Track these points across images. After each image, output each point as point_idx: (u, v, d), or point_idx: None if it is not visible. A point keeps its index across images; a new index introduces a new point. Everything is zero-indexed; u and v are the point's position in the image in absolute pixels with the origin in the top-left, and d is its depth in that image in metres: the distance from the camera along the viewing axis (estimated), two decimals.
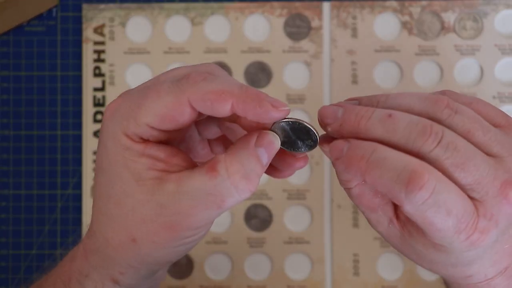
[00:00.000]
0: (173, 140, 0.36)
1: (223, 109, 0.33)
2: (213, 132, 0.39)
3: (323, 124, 0.36)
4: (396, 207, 0.36)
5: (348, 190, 0.37)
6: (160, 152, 0.34)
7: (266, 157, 0.34)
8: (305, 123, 0.35)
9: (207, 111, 0.33)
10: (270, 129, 0.35)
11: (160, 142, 0.35)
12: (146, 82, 0.36)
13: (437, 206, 0.32)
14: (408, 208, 0.32)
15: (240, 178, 0.33)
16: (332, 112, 0.36)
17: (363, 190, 0.36)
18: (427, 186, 0.32)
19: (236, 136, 0.37)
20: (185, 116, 0.33)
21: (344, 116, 0.35)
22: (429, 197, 0.32)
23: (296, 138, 0.35)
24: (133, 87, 0.37)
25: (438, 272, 0.37)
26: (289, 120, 0.35)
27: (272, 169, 0.37)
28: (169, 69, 0.36)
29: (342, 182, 0.37)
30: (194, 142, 0.39)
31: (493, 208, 0.33)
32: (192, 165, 0.35)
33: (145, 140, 0.34)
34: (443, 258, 0.35)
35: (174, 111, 0.33)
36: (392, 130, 0.33)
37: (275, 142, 0.35)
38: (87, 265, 0.38)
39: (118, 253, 0.36)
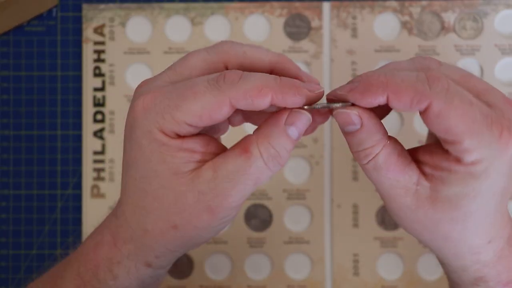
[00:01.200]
0: (206, 130, 0.38)
1: (264, 103, 0.34)
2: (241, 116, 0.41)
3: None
4: (419, 165, 0.36)
5: (372, 160, 0.36)
6: (196, 144, 0.36)
7: (296, 134, 0.36)
8: (336, 104, 0.36)
9: (248, 107, 0.35)
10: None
11: (195, 135, 0.36)
12: (171, 72, 0.38)
13: (459, 95, 0.34)
14: (436, 104, 0.33)
15: (273, 157, 0.35)
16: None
17: (389, 152, 0.36)
18: (443, 79, 0.34)
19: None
20: (224, 113, 0.35)
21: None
22: (448, 86, 0.34)
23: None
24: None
25: (448, 255, 0.38)
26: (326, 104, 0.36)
27: None
28: None
29: (365, 153, 0.36)
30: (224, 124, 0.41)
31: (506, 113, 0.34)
32: (223, 149, 0.37)
33: (181, 136, 0.35)
34: (459, 225, 0.36)
35: (213, 111, 0.35)
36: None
37: (305, 119, 0.36)
38: (118, 253, 0.38)
39: (157, 241, 0.37)
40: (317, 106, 0.36)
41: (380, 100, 0.34)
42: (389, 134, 0.37)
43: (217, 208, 0.36)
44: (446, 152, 0.35)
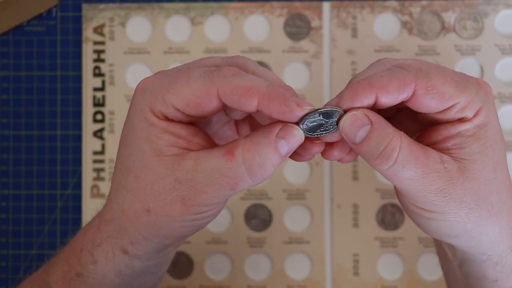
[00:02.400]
0: (198, 123, 0.38)
1: (250, 105, 0.34)
2: (240, 112, 0.40)
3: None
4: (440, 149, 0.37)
5: (399, 156, 0.35)
6: (182, 130, 0.36)
7: (286, 149, 0.35)
8: (329, 107, 0.36)
9: (234, 104, 0.35)
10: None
11: (184, 123, 0.36)
12: (181, 65, 0.38)
13: (430, 68, 0.36)
14: (420, 82, 0.35)
15: (255, 166, 0.35)
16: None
17: (409, 141, 0.36)
18: (410, 61, 0.37)
19: (264, 118, 0.38)
20: (210, 106, 0.35)
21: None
22: (419, 65, 0.36)
23: (322, 121, 0.36)
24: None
25: (480, 234, 0.37)
26: (316, 110, 0.35)
27: (293, 153, 0.38)
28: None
29: (388, 152, 0.35)
30: (221, 122, 0.41)
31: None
32: (212, 145, 0.37)
33: (169, 119, 0.36)
34: (494, 184, 0.37)
35: (201, 99, 0.35)
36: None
37: (297, 136, 0.35)
38: (99, 235, 0.39)
39: (132, 224, 0.37)
40: (309, 126, 0.35)
41: (370, 100, 0.35)
42: None
43: (190, 201, 0.36)
44: (447, 123, 0.36)
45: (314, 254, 0.56)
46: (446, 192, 0.36)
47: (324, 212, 0.56)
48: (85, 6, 0.58)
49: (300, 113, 0.34)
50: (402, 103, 0.36)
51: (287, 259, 0.57)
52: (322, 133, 0.36)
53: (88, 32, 0.57)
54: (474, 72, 0.56)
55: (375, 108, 0.36)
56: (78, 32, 0.58)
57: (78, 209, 0.57)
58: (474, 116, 0.36)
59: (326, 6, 0.57)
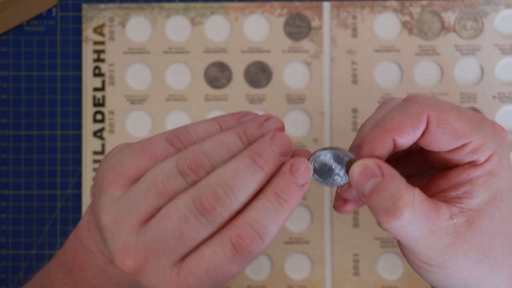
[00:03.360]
0: None
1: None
2: None
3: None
4: (439, 198, 0.35)
5: (411, 212, 0.33)
6: None
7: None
8: (341, 150, 0.34)
9: None
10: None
11: None
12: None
13: (443, 103, 0.35)
14: (433, 113, 0.34)
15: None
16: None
17: (421, 196, 0.34)
18: (419, 96, 0.35)
19: None
20: None
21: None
22: (430, 99, 0.35)
23: (331, 163, 0.34)
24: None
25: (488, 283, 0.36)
26: (327, 149, 0.34)
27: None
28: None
29: (400, 206, 0.33)
30: None
31: None
32: None
33: None
34: (501, 235, 0.35)
35: None
36: None
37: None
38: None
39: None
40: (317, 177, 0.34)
41: (388, 146, 0.33)
42: None
43: None
44: (457, 167, 0.35)
45: (314, 254, 0.56)
46: (451, 249, 0.34)
47: (324, 212, 0.56)
48: (85, 6, 0.57)
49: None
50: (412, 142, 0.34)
51: (287, 259, 0.57)
52: (332, 183, 0.34)
53: (88, 32, 0.57)
54: (474, 72, 0.56)
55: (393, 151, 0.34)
56: (78, 32, 0.58)
57: (78, 209, 0.57)
58: (486, 160, 0.34)
59: (326, 6, 0.57)
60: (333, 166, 0.34)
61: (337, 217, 0.56)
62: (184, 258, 0.33)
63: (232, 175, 0.32)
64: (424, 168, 0.39)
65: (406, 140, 0.34)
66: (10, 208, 0.57)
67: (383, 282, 0.56)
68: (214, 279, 0.32)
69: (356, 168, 0.33)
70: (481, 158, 0.34)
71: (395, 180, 0.33)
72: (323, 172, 0.34)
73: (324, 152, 0.34)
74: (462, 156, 0.34)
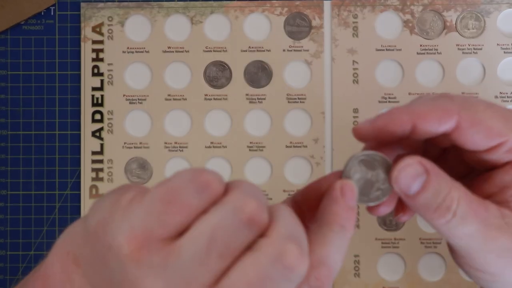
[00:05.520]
0: None
1: None
2: None
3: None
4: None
5: (458, 209, 0.32)
6: None
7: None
8: (366, 153, 0.32)
9: None
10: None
11: None
12: None
13: (478, 100, 0.34)
14: (465, 113, 0.33)
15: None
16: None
17: (466, 192, 0.33)
18: (455, 94, 0.34)
19: None
20: None
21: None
22: (465, 97, 0.34)
23: (367, 174, 0.33)
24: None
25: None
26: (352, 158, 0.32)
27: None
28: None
29: (447, 204, 0.32)
30: None
31: None
32: None
33: None
34: None
35: None
36: None
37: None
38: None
39: None
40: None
41: (405, 125, 0.32)
42: None
43: None
44: (498, 169, 0.34)
45: None
46: (509, 253, 0.33)
47: None
48: (83, 5, 0.57)
49: None
50: (447, 140, 0.33)
51: None
52: (380, 198, 0.32)
53: (86, 31, 0.57)
54: (476, 71, 0.56)
55: (414, 140, 0.33)
56: (77, 31, 0.58)
57: (77, 210, 0.57)
58: None
59: (327, 5, 0.57)
60: (370, 177, 0.33)
61: None
62: None
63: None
64: (462, 170, 0.37)
65: (427, 129, 0.32)
66: (8, 208, 0.57)
67: (384, 283, 0.56)
68: None
69: (400, 170, 0.32)
70: None
71: (440, 175, 0.32)
72: (363, 188, 0.33)
73: (354, 163, 0.32)
74: (500, 155, 0.33)
